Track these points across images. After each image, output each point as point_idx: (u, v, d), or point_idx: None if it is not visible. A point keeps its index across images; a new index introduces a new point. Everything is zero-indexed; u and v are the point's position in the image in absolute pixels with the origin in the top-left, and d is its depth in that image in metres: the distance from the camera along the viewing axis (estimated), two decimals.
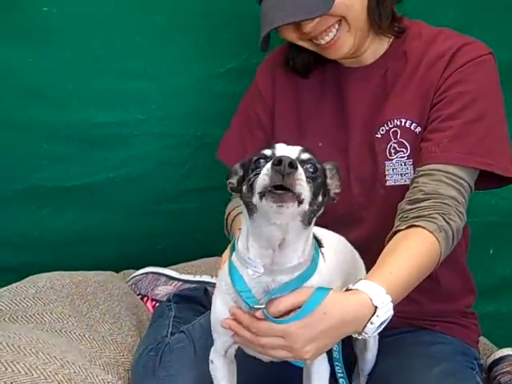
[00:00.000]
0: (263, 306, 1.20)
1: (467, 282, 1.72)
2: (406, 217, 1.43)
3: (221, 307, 1.27)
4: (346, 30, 1.50)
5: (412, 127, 1.55)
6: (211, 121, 2.04)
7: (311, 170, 1.15)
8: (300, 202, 1.10)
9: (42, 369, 1.33)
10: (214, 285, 1.79)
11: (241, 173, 1.23)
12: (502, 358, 1.83)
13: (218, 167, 2.00)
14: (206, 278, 2.00)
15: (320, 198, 1.17)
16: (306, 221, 1.16)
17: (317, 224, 1.40)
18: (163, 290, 1.99)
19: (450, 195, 1.43)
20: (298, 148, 1.18)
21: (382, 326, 1.27)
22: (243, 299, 1.21)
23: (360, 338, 1.28)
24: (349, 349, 1.52)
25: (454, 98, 1.49)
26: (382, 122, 1.57)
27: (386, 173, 1.56)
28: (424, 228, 1.39)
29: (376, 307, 1.24)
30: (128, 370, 1.63)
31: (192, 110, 2.03)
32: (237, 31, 1.96)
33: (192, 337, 1.61)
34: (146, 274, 2.04)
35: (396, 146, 1.55)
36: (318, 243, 1.31)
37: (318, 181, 1.15)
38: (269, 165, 1.08)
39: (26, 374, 1.30)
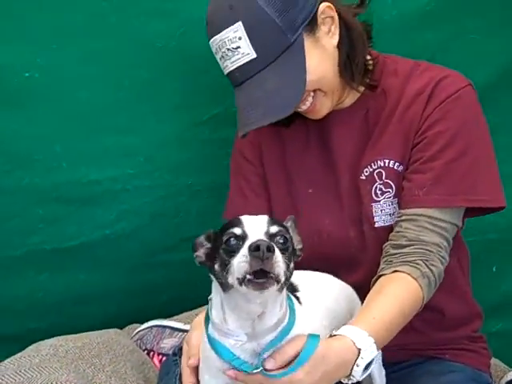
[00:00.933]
0: (261, 369, 1.19)
1: (472, 308, 1.72)
2: (391, 261, 1.46)
3: (210, 380, 1.26)
4: (322, 95, 1.51)
5: (395, 166, 1.54)
6: (200, 168, 2.05)
7: (281, 241, 1.15)
8: (278, 281, 1.11)
9: None
10: None
11: (208, 245, 1.23)
12: None
13: (212, 213, 2.00)
14: None
15: (292, 264, 1.17)
16: (282, 288, 1.17)
17: (317, 270, 1.48)
18: (169, 343, 1.97)
19: (432, 242, 1.46)
20: (265, 219, 1.17)
21: (369, 368, 1.28)
22: (236, 368, 1.20)
23: (350, 383, 1.28)
24: None
25: (434, 139, 1.49)
26: (366, 163, 1.57)
27: (374, 214, 1.55)
28: (408, 274, 1.42)
29: (359, 349, 1.25)
30: None
31: (180, 159, 2.04)
32: (218, 77, 1.95)
33: None
34: (151, 327, 2.03)
35: (382, 187, 1.55)
36: (293, 288, 1.33)
37: (289, 250, 1.16)
38: (245, 250, 1.09)
39: None
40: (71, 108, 1.94)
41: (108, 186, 2.01)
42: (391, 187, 1.54)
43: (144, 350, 1.99)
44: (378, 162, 1.55)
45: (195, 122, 2.01)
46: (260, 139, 1.71)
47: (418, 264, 1.43)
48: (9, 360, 1.76)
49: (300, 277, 1.34)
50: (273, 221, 1.17)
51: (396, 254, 1.46)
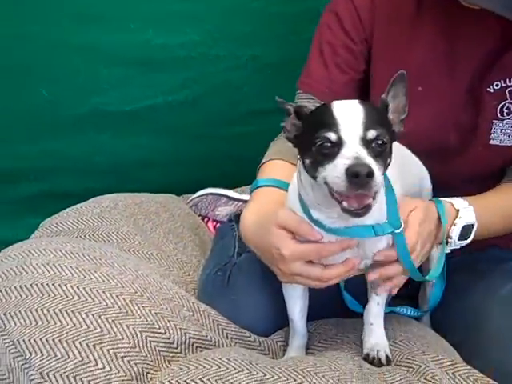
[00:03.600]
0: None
1: None
2: None
3: None
4: None
5: None
6: (268, 41, 2.00)
7: (379, 145, 1.07)
8: (375, 198, 1.08)
9: (118, 278, 1.35)
10: None
11: (298, 123, 1.15)
12: None
13: (278, 88, 1.95)
14: None
15: (389, 159, 1.12)
16: None
17: None
18: (223, 211, 1.99)
19: None
20: (361, 117, 1.07)
21: (467, 239, 1.34)
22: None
23: (448, 249, 1.35)
24: None
25: None
26: (499, 76, 1.43)
27: (492, 131, 1.46)
28: None
29: (458, 210, 1.32)
30: (194, 288, 1.63)
31: (249, 30, 1.99)
32: None
33: None
34: (206, 195, 2.04)
35: (511, 106, 1.44)
36: None
37: (386, 151, 1.09)
38: (342, 172, 1.02)
39: (104, 281, 1.32)
40: None
41: (174, 52, 1.98)
42: None
43: (198, 216, 2.01)
44: None
45: None
46: (375, 17, 1.49)
47: None
48: (70, 209, 1.78)
49: None
50: (369, 117, 1.07)
51: None
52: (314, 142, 1.07)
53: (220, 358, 1.18)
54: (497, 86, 1.44)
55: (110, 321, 1.24)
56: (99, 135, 2.06)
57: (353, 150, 1.05)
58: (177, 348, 1.27)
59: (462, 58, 1.45)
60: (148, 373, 1.20)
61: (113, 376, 1.17)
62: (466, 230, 1.33)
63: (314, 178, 1.10)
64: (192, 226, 1.88)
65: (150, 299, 1.32)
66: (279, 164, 1.49)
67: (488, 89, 1.45)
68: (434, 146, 1.48)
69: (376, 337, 1.32)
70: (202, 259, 1.76)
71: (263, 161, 1.57)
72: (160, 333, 1.26)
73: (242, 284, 1.51)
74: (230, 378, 1.14)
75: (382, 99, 1.16)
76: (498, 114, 1.46)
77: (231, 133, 2.10)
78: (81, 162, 2.09)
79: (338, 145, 1.06)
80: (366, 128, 1.06)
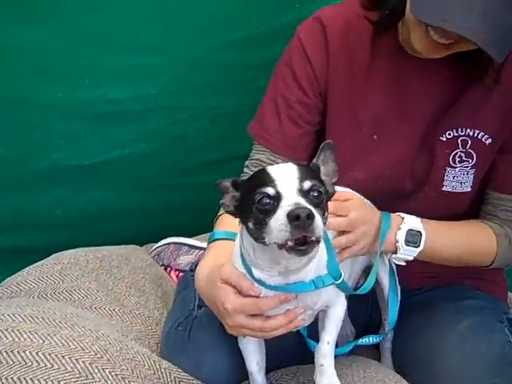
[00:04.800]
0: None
1: None
2: (484, 216, 1.55)
3: None
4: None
5: (483, 139, 1.49)
6: (224, 92, 2.05)
7: (315, 195, 1.12)
8: (319, 241, 1.11)
9: (78, 341, 1.35)
10: None
11: (235, 194, 1.20)
12: None
13: (232, 138, 2.01)
14: None
15: (326, 212, 1.17)
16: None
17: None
18: (185, 260, 2.01)
19: None
20: (295, 172, 1.13)
21: (418, 247, 1.40)
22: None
23: (397, 257, 1.42)
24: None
25: None
26: (451, 126, 1.49)
27: (445, 178, 1.52)
28: (492, 228, 1.50)
29: (403, 218, 1.41)
30: (157, 343, 1.64)
31: (204, 81, 2.03)
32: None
33: None
34: (168, 244, 2.07)
35: (463, 155, 1.50)
36: None
37: (323, 201, 1.14)
38: (283, 218, 1.07)
39: (64, 345, 1.33)
40: (96, 24, 1.93)
41: (130, 105, 2.01)
42: (472, 157, 1.50)
43: (161, 266, 2.02)
44: (467, 130, 1.48)
45: (221, 44, 1.99)
46: (329, 60, 1.52)
47: (506, 226, 1.50)
48: (31, 267, 1.80)
49: None
50: (303, 173, 1.13)
51: (489, 218, 1.55)
52: (254, 199, 1.12)
53: None
54: (449, 135, 1.50)
55: None
56: (59, 190, 2.06)
57: (291, 199, 1.10)
58: None
59: (413, 107, 1.51)
60: None
61: None
62: (413, 236, 1.39)
63: (261, 239, 1.12)
64: (154, 278, 1.89)
65: (110, 361, 1.33)
66: None
67: (441, 137, 1.51)
68: (390, 191, 1.54)
69: (327, 377, 1.32)
70: (164, 311, 1.78)
71: (220, 212, 1.59)
72: None
73: (202, 338, 1.53)
74: None
75: (313, 163, 1.22)
76: (451, 162, 1.51)
77: (189, 182, 2.14)
78: (41, 217, 2.09)
79: (277, 199, 1.11)
80: (302, 180, 1.12)
